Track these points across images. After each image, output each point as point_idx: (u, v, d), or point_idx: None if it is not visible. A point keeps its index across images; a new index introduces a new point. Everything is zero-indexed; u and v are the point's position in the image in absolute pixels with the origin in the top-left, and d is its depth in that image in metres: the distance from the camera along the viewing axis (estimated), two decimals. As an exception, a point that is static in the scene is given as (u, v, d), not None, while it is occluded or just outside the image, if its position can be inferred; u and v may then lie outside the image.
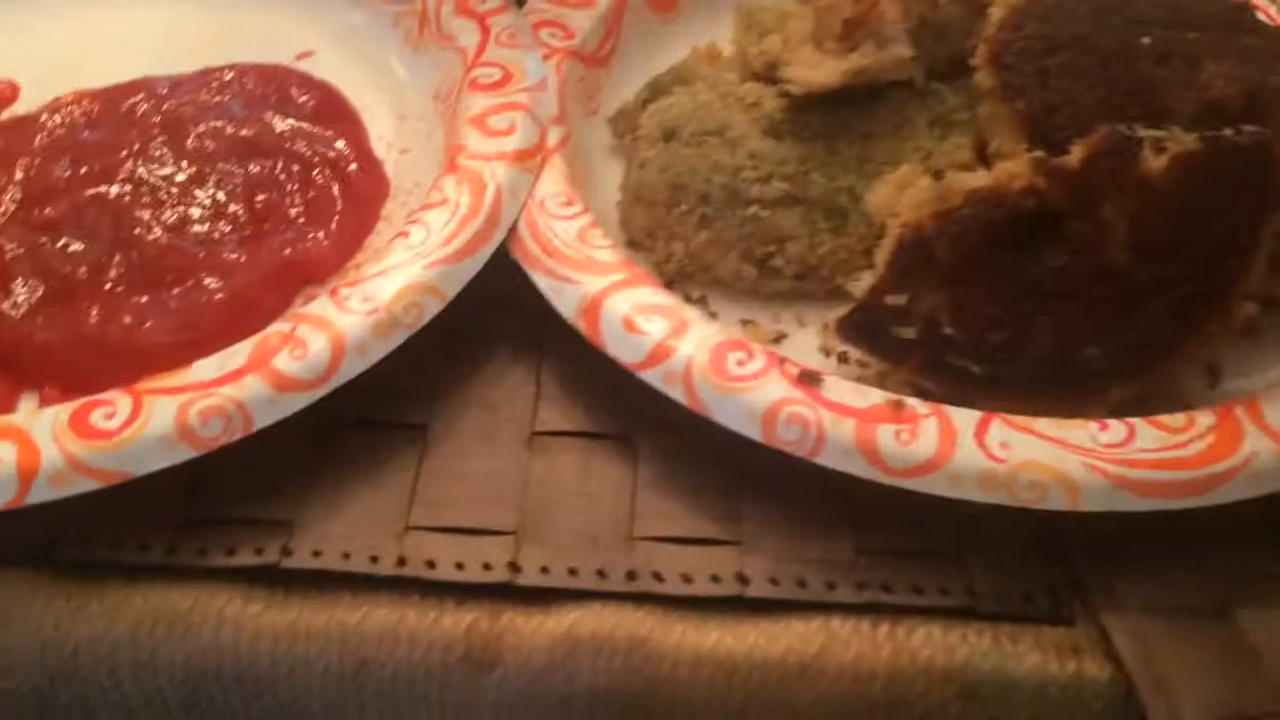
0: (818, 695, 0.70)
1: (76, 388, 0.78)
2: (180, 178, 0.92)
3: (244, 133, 0.96)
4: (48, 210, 0.90)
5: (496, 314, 0.87)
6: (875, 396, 0.75)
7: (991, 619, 0.72)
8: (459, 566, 0.73)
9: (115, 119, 0.98)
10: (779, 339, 0.85)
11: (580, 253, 0.83)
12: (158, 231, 0.88)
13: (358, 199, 0.93)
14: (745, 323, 0.87)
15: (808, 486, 0.76)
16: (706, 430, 0.76)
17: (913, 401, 0.75)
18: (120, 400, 0.74)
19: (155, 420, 0.73)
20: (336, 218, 0.91)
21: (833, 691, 0.70)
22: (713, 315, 0.86)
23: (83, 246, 0.87)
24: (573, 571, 0.73)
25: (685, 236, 0.88)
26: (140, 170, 0.93)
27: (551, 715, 0.71)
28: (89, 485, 0.72)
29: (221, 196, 0.91)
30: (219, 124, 0.97)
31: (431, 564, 0.73)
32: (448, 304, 0.81)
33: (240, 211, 0.90)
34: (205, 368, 0.76)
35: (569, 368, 0.85)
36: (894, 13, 0.88)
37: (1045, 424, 0.73)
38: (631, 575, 0.73)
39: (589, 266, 0.82)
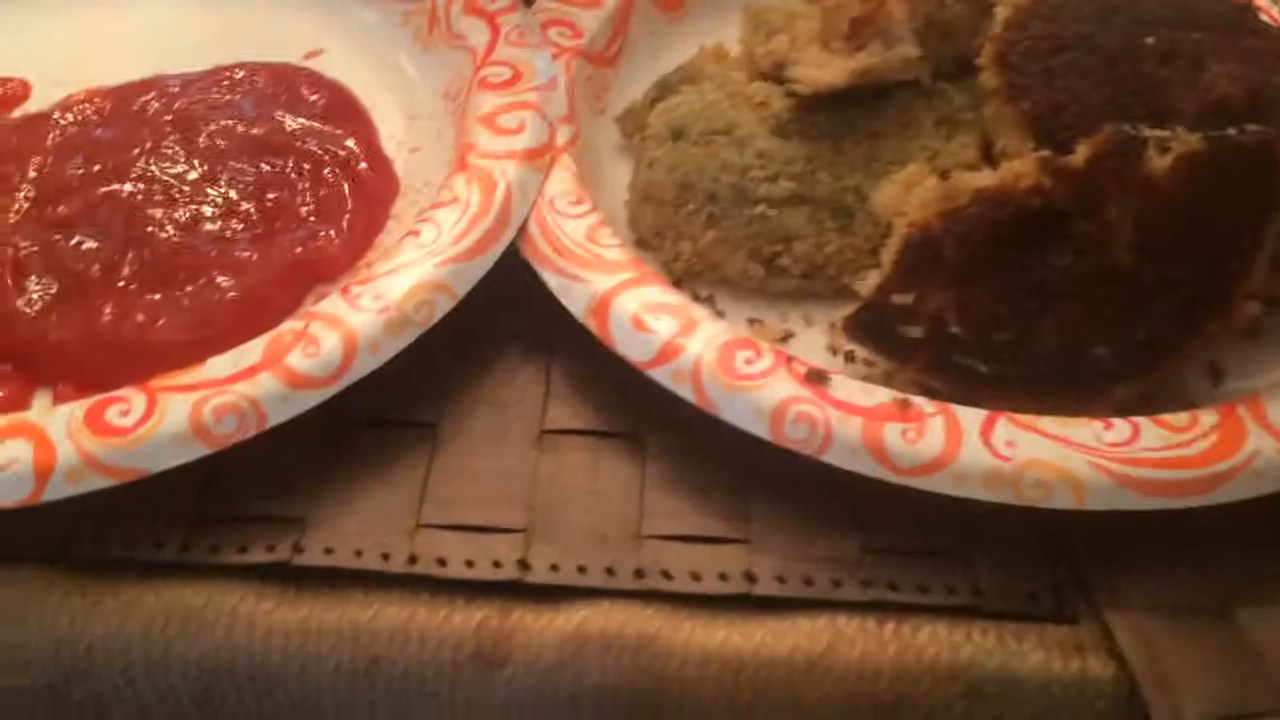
0: (824, 693, 0.70)
1: (90, 385, 0.79)
2: (192, 176, 0.93)
3: (255, 131, 0.97)
4: (61, 208, 0.90)
5: (506, 312, 0.87)
6: (882, 395, 0.75)
7: (996, 617, 0.72)
8: (469, 564, 0.74)
9: (127, 117, 0.98)
10: (786, 338, 0.86)
11: (589, 251, 0.84)
12: (170, 230, 0.89)
13: (368, 197, 0.94)
14: (753, 321, 0.87)
15: (815, 485, 0.76)
16: (715, 429, 0.76)
17: (919, 400, 0.75)
18: (135, 398, 0.75)
19: (170, 417, 0.74)
20: (347, 216, 0.92)
21: (839, 689, 0.70)
22: (720, 314, 0.86)
23: (96, 244, 0.88)
24: (582, 569, 0.74)
25: (693, 235, 0.88)
26: (153, 168, 0.93)
27: (561, 712, 0.71)
28: (104, 482, 0.73)
29: (233, 195, 0.92)
30: (230, 122, 0.98)
31: (442, 562, 0.74)
32: (458, 302, 0.82)
33: (252, 210, 0.91)
34: (219, 365, 0.76)
35: (579, 366, 0.85)
36: (901, 12, 0.88)
37: (1050, 423, 0.74)
38: (640, 573, 0.74)
39: (598, 265, 0.83)
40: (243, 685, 0.72)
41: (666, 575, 0.74)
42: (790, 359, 0.77)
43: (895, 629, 0.72)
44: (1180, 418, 0.74)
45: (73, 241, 0.88)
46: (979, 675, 0.70)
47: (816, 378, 0.76)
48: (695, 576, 0.74)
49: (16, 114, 1.02)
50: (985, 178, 0.77)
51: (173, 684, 0.72)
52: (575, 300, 0.82)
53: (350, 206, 0.92)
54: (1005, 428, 0.73)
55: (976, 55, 0.89)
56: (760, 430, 0.75)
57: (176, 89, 1.01)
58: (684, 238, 0.89)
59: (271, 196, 0.92)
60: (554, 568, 0.74)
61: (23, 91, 1.04)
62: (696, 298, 0.87)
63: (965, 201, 0.76)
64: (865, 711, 0.70)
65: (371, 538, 0.75)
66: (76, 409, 0.75)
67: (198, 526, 0.76)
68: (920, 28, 0.90)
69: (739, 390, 0.75)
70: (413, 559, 0.74)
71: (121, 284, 0.85)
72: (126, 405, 0.74)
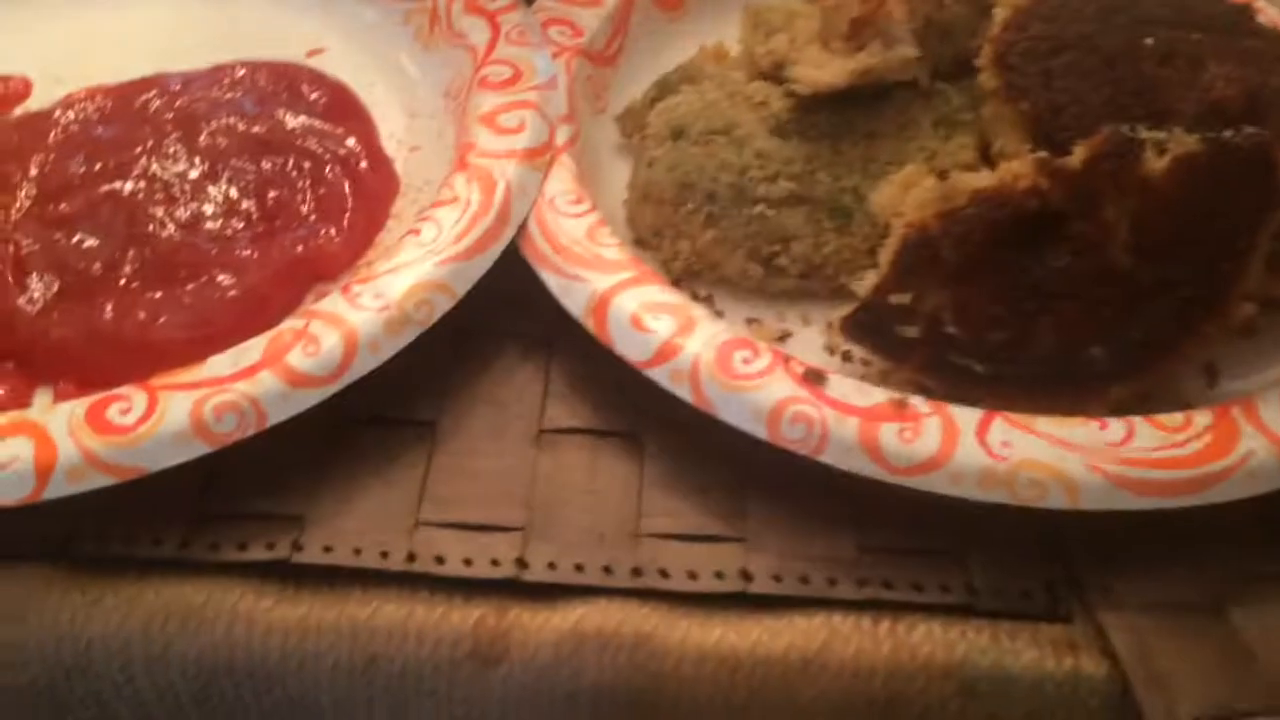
0: (819, 691, 0.71)
1: (91, 383, 0.79)
2: (193, 174, 0.93)
3: (256, 130, 0.97)
4: (63, 206, 0.91)
5: (506, 311, 0.88)
6: (878, 395, 0.76)
7: (990, 616, 0.73)
8: (467, 563, 0.74)
9: (129, 115, 0.99)
10: (784, 337, 0.86)
11: (589, 251, 0.84)
12: (171, 228, 0.89)
13: (368, 196, 0.94)
14: (751, 321, 0.88)
15: (812, 484, 0.76)
16: (712, 428, 0.77)
17: (915, 400, 0.75)
18: (136, 396, 0.75)
19: (171, 416, 0.74)
20: (347, 215, 0.92)
21: (834, 687, 0.70)
22: (719, 314, 0.87)
23: (97, 242, 0.88)
24: (579, 568, 0.74)
25: (692, 235, 0.89)
26: (154, 167, 0.94)
27: (557, 710, 0.72)
28: (105, 480, 0.73)
29: (234, 193, 0.92)
30: (231, 121, 0.98)
31: (440, 560, 0.74)
32: (458, 301, 0.82)
33: (252, 208, 0.91)
34: (219, 364, 0.77)
35: (578, 365, 0.85)
36: (900, 13, 0.88)
37: (1046, 423, 0.74)
38: (637, 571, 0.74)
39: (597, 264, 0.83)
40: (241, 682, 0.72)
41: (663, 574, 0.74)
42: (788, 359, 0.77)
43: (890, 627, 0.72)
44: (1174, 418, 0.75)
45: (74, 239, 0.88)
46: (973, 673, 0.70)
47: (814, 378, 0.76)
48: (692, 575, 0.74)
49: (18, 112, 1.03)
50: (983, 178, 0.77)
51: (172, 681, 0.72)
52: (574, 299, 0.82)
53: (351, 205, 0.93)
54: (1001, 428, 0.74)
55: (975, 56, 0.89)
56: (757, 430, 0.75)
57: (178, 87, 1.02)
58: (683, 237, 0.89)
59: (272, 195, 0.92)
60: (551, 566, 0.74)
61: (24, 90, 1.05)
62: (695, 297, 0.87)
63: (963, 202, 0.76)
64: (860, 709, 0.71)
65: (370, 536, 0.75)
66: (78, 407, 0.75)
67: (198, 524, 0.76)
68: (919, 28, 0.90)
69: (736, 390, 0.76)
70: (411, 557, 0.74)
71: (123, 282, 0.86)
72: (127, 404, 0.75)
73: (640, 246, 0.92)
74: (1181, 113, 0.82)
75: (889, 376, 0.80)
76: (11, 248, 0.87)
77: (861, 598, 0.73)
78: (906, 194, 0.79)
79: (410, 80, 1.06)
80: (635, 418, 0.82)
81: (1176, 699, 0.68)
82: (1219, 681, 0.69)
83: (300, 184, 0.93)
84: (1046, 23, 0.87)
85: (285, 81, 1.03)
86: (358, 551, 0.75)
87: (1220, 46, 0.86)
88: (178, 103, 1.00)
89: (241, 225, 0.90)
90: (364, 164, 0.96)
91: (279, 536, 0.75)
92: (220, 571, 0.74)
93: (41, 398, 0.82)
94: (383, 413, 0.82)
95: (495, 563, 0.74)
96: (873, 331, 0.79)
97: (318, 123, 0.99)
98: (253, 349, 0.77)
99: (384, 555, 0.74)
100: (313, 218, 0.91)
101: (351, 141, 0.98)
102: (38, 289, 0.85)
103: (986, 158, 0.89)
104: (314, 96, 1.02)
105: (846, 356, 0.84)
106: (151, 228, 0.89)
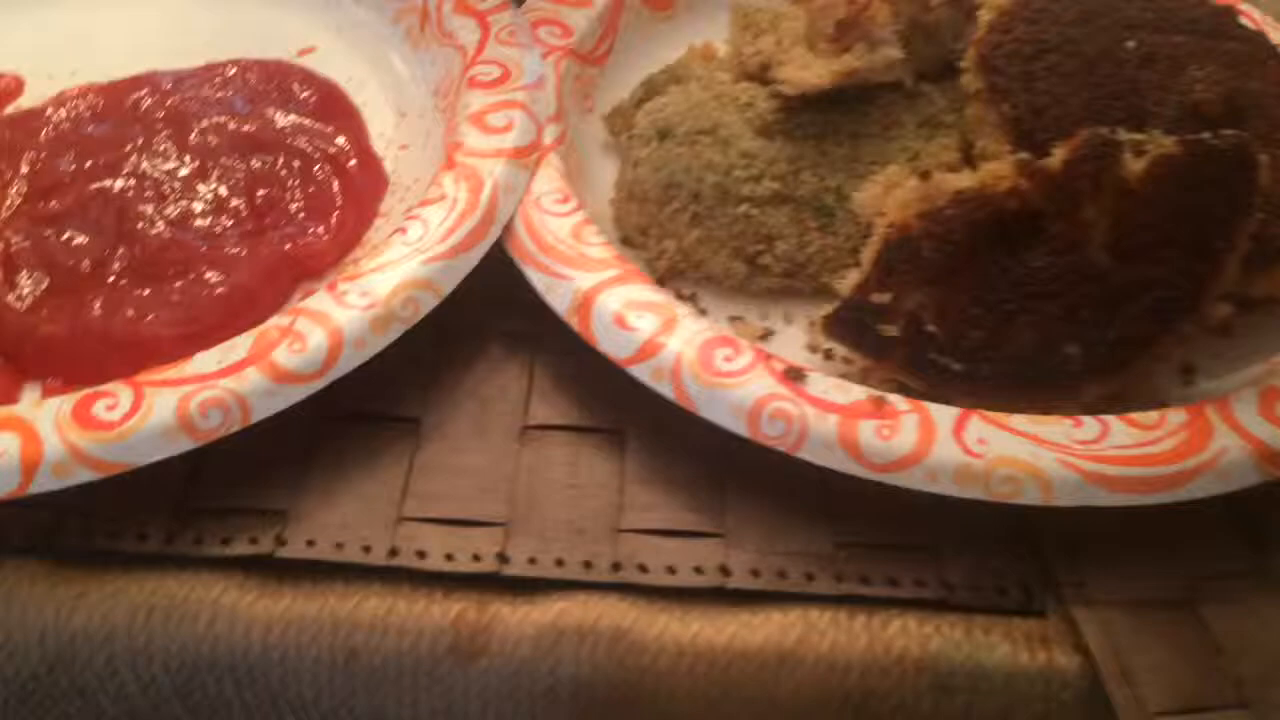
0: (795, 685, 0.71)
1: (79, 379, 0.80)
2: (183, 172, 0.94)
3: (246, 128, 0.98)
4: (53, 203, 0.91)
5: (492, 309, 0.88)
6: (858, 393, 0.76)
7: (965, 611, 0.73)
8: (449, 557, 0.75)
9: (120, 113, 0.99)
10: (766, 336, 0.87)
11: (574, 249, 0.85)
12: (160, 225, 0.89)
13: (357, 195, 0.94)
14: (734, 319, 0.88)
15: (791, 481, 0.77)
16: (693, 425, 0.77)
17: (894, 398, 0.76)
18: (122, 392, 0.75)
19: (156, 412, 0.74)
20: (336, 213, 0.92)
21: (809, 681, 0.71)
22: (703, 312, 0.87)
23: (87, 240, 0.89)
24: (560, 562, 0.75)
25: (677, 234, 0.89)
26: (144, 165, 0.94)
27: (537, 704, 0.72)
28: (90, 476, 0.73)
29: (223, 191, 0.93)
30: (221, 119, 0.99)
31: (422, 554, 0.75)
32: (444, 299, 0.82)
33: (242, 206, 0.92)
34: (205, 360, 0.77)
35: (562, 363, 0.86)
36: (885, 15, 0.89)
37: (1022, 421, 0.75)
38: (617, 566, 0.75)
39: (582, 263, 0.84)
40: (223, 676, 0.72)
41: (643, 569, 0.75)
42: (769, 357, 0.78)
43: (866, 622, 0.73)
44: (1149, 416, 0.76)
45: (64, 237, 0.89)
46: (947, 667, 0.71)
47: (794, 375, 0.77)
48: (671, 570, 0.75)
49: (9, 110, 1.03)
50: (964, 179, 0.78)
51: (155, 675, 0.72)
52: (559, 297, 0.83)
53: (339, 203, 0.93)
54: (977, 425, 0.74)
55: (960, 58, 0.90)
56: (737, 427, 0.76)
57: (169, 86, 1.02)
58: (668, 236, 0.90)
59: (261, 193, 0.93)
60: (532, 560, 0.75)
61: (16, 87, 1.05)
62: (680, 296, 0.88)
63: (944, 202, 0.77)
64: (835, 703, 0.71)
65: (353, 530, 0.76)
66: (64, 403, 0.75)
67: (181, 518, 0.76)
68: (904, 30, 0.91)
69: (717, 387, 0.76)
70: (393, 552, 0.75)
71: (111, 279, 0.86)
72: (113, 400, 0.75)
73: (627, 245, 0.92)
74: (1161, 115, 0.82)
75: (870, 375, 0.81)
76: (1, 245, 0.88)
77: (838, 593, 0.74)
78: (889, 194, 0.80)
79: (400, 79, 1.06)
80: (618, 414, 0.83)
81: (1145, 692, 0.69)
82: (1188, 676, 0.70)
83: (289, 182, 0.94)
84: (1029, 25, 0.88)
85: (276, 80, 1.04)
86: (340, 546, 0.75)
87: (1201, 49, 0.86)
88: (169, 101, 1.00)
89: (231, 223, 0.91)
90: (353, 162, 0.97)
91: (262, 531, 0.76)
92: (204, 565, 0.75)
93: (30, 394, 0.82)
94: (368, 409, 0.83)
95: (476, 557, 0.75)
96: (854, 330, 0.80)
97: (308, 121, 1.00)
98: (239, 346, 0.78)
99: (366, 550, 0.75)
100: (301, 216, 0.92)
101: (341, 140, 0.98)
102: (27, 286, 0.86)
103: (969, 159, 0.90)
104: (304, 95, 1.03)
105: (828, 355, 0.85)
106: (141, 225, 0.89)
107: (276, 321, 0.80)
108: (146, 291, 0.85)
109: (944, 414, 0.75)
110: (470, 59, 0.99)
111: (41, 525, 0.76)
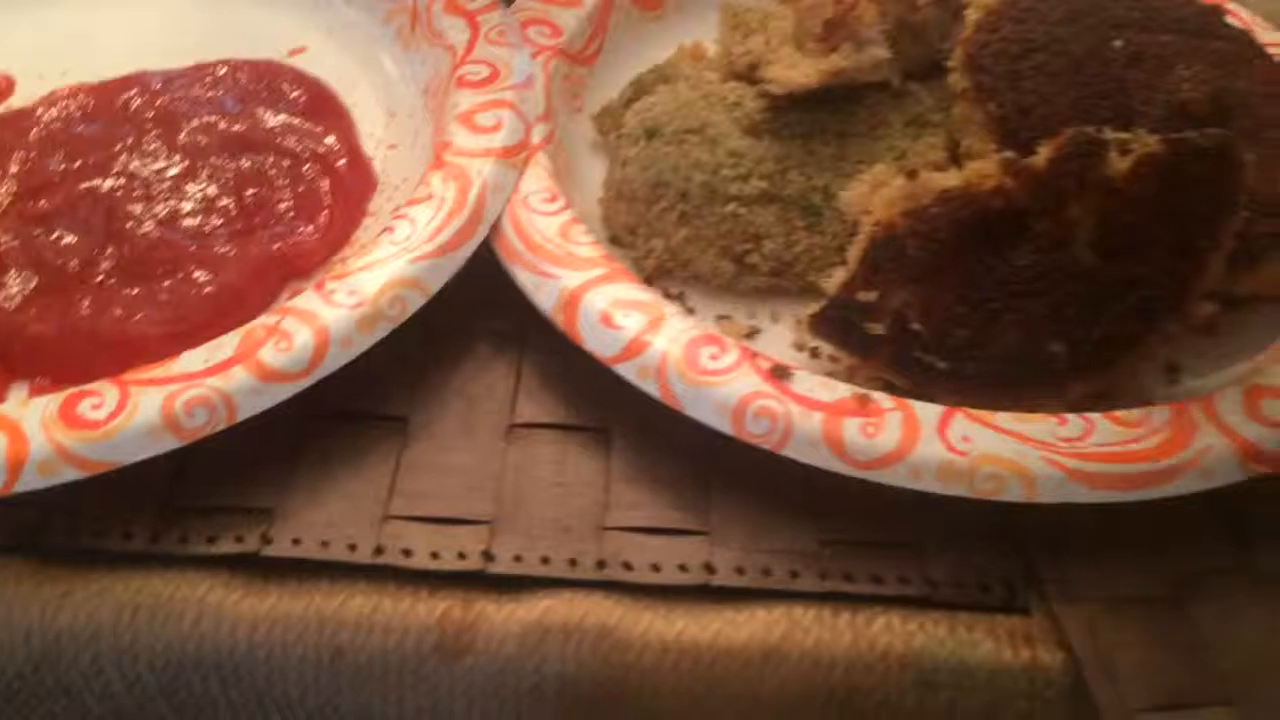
0: (779, 682, 0.71)
1: (68, 378, 0.80)
2: (172, 172, 0.94)
3: (236, 128, 0.98)
4: (42, 203, 0.91)
5: (479, 308, 0.88)
6: (842, 391, 0.76)
7: (949, 608, 0.74)
8: (434, 556, 0.75)
9: (110, 113, 0.99)
10: (753, 334, 0.87)
11: (561, 248, 0.85)
12: (149, 225, 0.89)
13: (345, 194, 0.94)
14: (721, 318, 0.88)
15: (776, 478, 0.77)
16: (679, 423, 0.77)
17: (879, 396, 0.76)
18: (108, 391, 0.76)
19: (142, 411, 0.74)
20: (324, 212, 0.92)
21: (794, 678, 0.71)
22: (690, 311, 0.88)
23: (76, 239, 0.89)
24: (545, 560, 0.75)
25: (665, 233, 0.89)
26: (133, 164, 0.94)
27: (522, 702, 0.72)
28: (76, 474, 0.73)
29: (213, 191, 0.93)
30: (211, 119, 0.99)
31: (408, 553, 0.75)
32: (431, 298, 0.83)
33: (231, 205, 0.92)
34: (192, 359, 0.77)
35: (549, 362, 0.86)
36: (872, 15, 0.89)
37: (1006, 418, 0.75)
38: (602, 564, 0.75)
39: (569, 262, 0.84)
40: (209, 674, 0.72)
41: (628, 566, 0.75)
42: (755, 355, 0.78)
43: (850, 619, 0.73)
44: (1133, 414, 0.76)
45: (53, 236, 0.89)
46: (930, 664, 0.71)
47: (779, 373, 0.77)
48: (655, 568, 0.75)
49: (0, 110, 1.03)
50: (950, 178, 0.78)
51: (140, 673, 0.73)
52: (545, 296, 0.83)
53: (328, 203, 0.93)
54: (961, 423, 0.75)
55: (947, 57, 0.90)
56: (722, 425, 0.76)
57: (159, 85, 1.02)
58: (656, 235, 0.90)
59: (250, 192, 0.93)
60: (517, 559, 0.75)
61: (7, 87, 1.05)
62: (668, 294, 0.88)
63: (929, 201, 0.77)
64: (820, 700, 0.71)
65: (339, 529, 0.76)
66: (50, 402, 0.75)
67: (167, 517, 0.76)
68: (891, 30, 0.91)
69: (703, 386, 0.77)
70: (379, 550, 0.75)
71: (100, 278, 0.86)
72: (99, 399, 0.75)
73: (615, 244, 0.93)
74: (1148, 114, 0.83)
75: (856, 373, 0.81)
76: (-10, 244, 0.88)
77: (823, 590, 0.74)
78: (875, 193, 0.80)
79: (390, 79, 1.06)
80: (604, 413, 0.83)
81: (1127, 689, 0.69)
82: (1170, 672, 0.70)
83: (279, 182, 0.94)
84: (1016, 24, 0.88)
85: (266, 80, 1.04)
86: (326, 544, 0.75)
87: (1188, 48, 0.87)
88: (159, 101, 1.00)
89: (219, 222, 0.91)
90: (342, 162, 0.97)
91: (248, 530, 0.76)
92: (189, 564, 0.75)
93: (17, 393, 0.82)
94: (355, 408, 0.83)
95: (462, 555, 0.75)
96: (840, 328, 0.80)
97: (297, 121, 1.00)
98: (226, 345, 0.78)
99: (352, 548, 0.75)
100: (290, 215, 0.92)
101: (331, 140, 0.98)
102: (15, 285, 0.86)
103: (956, 158, 0.90)
104: (294, 95, 1.03)
105: (815, 353, 0.85)
106: (130, 225, 0.89)
107: (263, 320, 0.80)
108: (135, 291, 0.85)
109: (928, 411, 0.75)
110: (459, 59, 0.99)
111: (27, 524, 0.76)
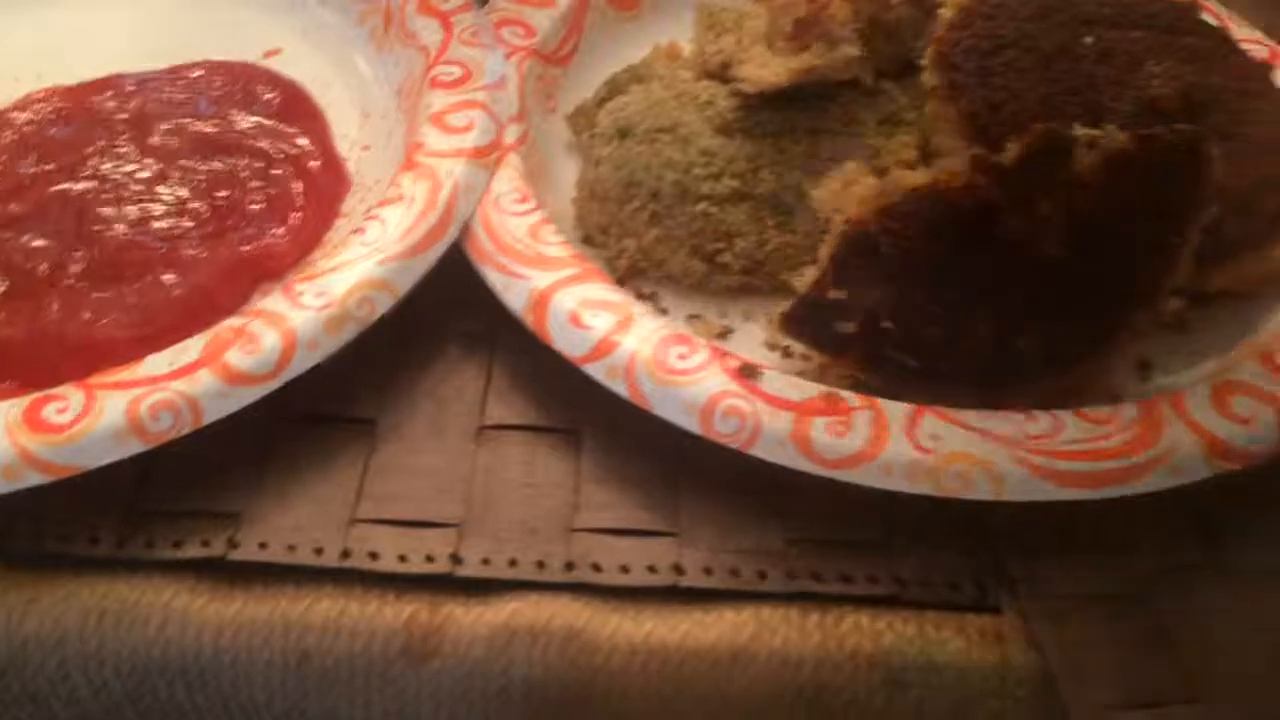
0: (748, 682, 0.71)
1: (35, 382, 0.79)
2: (144, 175, 0.94)
3: (207, 130, 0.98)
4: (12, 206, 0.91)
5: (449, 309, 0.88)
6: (811, 390, 0.76)
7: (918, 607, 0.73)
8: (402, 559, 0.74)
9: (83, 116, 0.99)
10: (725, 334, 0.87)
11: (531, 249, 0.85)
12: (120, 228, 0.89)
13: (318, 195, 0.94)
14: (693, 318, 0.88)
15: (744, 478, 0.77)
16: (649, 423, 0.77)
17: (847, 395, 0.76)
18: (72, 395, 0.75)
19: (107, 415, 0.74)
20: (297, 214, 0.92)
21: (762, 678, 0.71)
22: (663, 311, 0.88)
23: (46, 243, 0.88)
24: (513, 563, 0.75)
25: (637, 232, 0.89)
26: (105, 167, 0.94)
27: (490, 705, 0.72)
28: (40, 479, 0.73)
29: (184, 193, 0.92)
30: (184, 121, 0.98)
31: (375, 556, 0.75)
32: (400, 299, 0.82)
33: (202, 208, 0.91)
34: (157, 362, 0.77)
35: (520, 363, 0.86)
36: (844, 14, 0.89)
37: (974, 416, 0.75)
38: (570, 566, 0.75)
39: (539, 262, 0.84)
40: (175, 680, 0.72)
41: (596, 568, 0.75)
42: (724, 354, 0.78)
43: (819, 619, 0.72)
44: (1101, 411, 0.76)
45: (23, 239, 0.88)
46: (899, 663, 0.71)
47: (748, 373, 0.77)
48: (624, 569, 0.74)
49: (-25, 114, 1.03)
50: (920, 176, 0.77)
51: (106, 679, 0.72)
52: (515, 296, 0.83)
53: (300, 204, 0.93)
54: (930, 421, 0.74)
55: (920, 56, 0.90)
56: (690, 424, 0.76)
57: (133, 88, 1.02)
58: (628, 235, 0.90)
59: (222, 195, 0.92)
60: (485, 561, 0.75)
61: (-19, 90, 1.05)
62: (640, 295, 0.88)
63: (900, 199, 0.77)
64: (788, 699, 0.71)
65: (306, 533, 0.76)
66: (15, 406, 0.75)
67: (133, 521, 0.76)
68: (864, 29, 0.90)
69: (671, 385, 0.76)
70: (346, 553, 0.75)
71: (69, 282, 0.86)
72: (64, 403, 0.75)
73: (588, 244, 0.92)
74: (1118, 110, 0.82)
75: (827, 371, 0.81)
76: (-40, 249, 0.88)
77: (790, 590, 0.74)
78: (847, 191, 0.80)
79: (364, 80, 1.06)
80: (574, 414, 0.83)
81: (1095, 687, 0.69)
82: (1139, 670, 0.70)
83: (251, 184, 0.94)
84: (987, 21, 0.87)
85: (240, 82, 1.04)
86: (292, 548, 0.75)
87: (1160, 44, 0.87)
88: (132, 103, 1.00)
89: (191, 225, 0.90)
90: (315, 163, 0.96)
91: (215, 534, 0.75)
92: (155, 569, 0.74)
93: (-16, 398, 0.82)
94: (323, 410, 0.83)
95: (430, 558, 0.75)
96: (811, 327, 0.80)
97: (270, 123, 1.00)
98: (191, 348, 0.78)
99: (318, 552, 0.75)
100: (262, 217, 0.91)
101: (304, 141, 0.98)
102: (-15, 290, 0.86)
103: (928, 155, 0.89)
104: (268, 97, 1.03)
105: (786, 352, 0.85)
106: (99, 228, 0.89)
107: (230, 323, 0.79)
108: (104, 294, 0.85)
109: (897, 410, 0.75)
110: (433, 59, 0.99)
111: (-8, 529, 0.76)
